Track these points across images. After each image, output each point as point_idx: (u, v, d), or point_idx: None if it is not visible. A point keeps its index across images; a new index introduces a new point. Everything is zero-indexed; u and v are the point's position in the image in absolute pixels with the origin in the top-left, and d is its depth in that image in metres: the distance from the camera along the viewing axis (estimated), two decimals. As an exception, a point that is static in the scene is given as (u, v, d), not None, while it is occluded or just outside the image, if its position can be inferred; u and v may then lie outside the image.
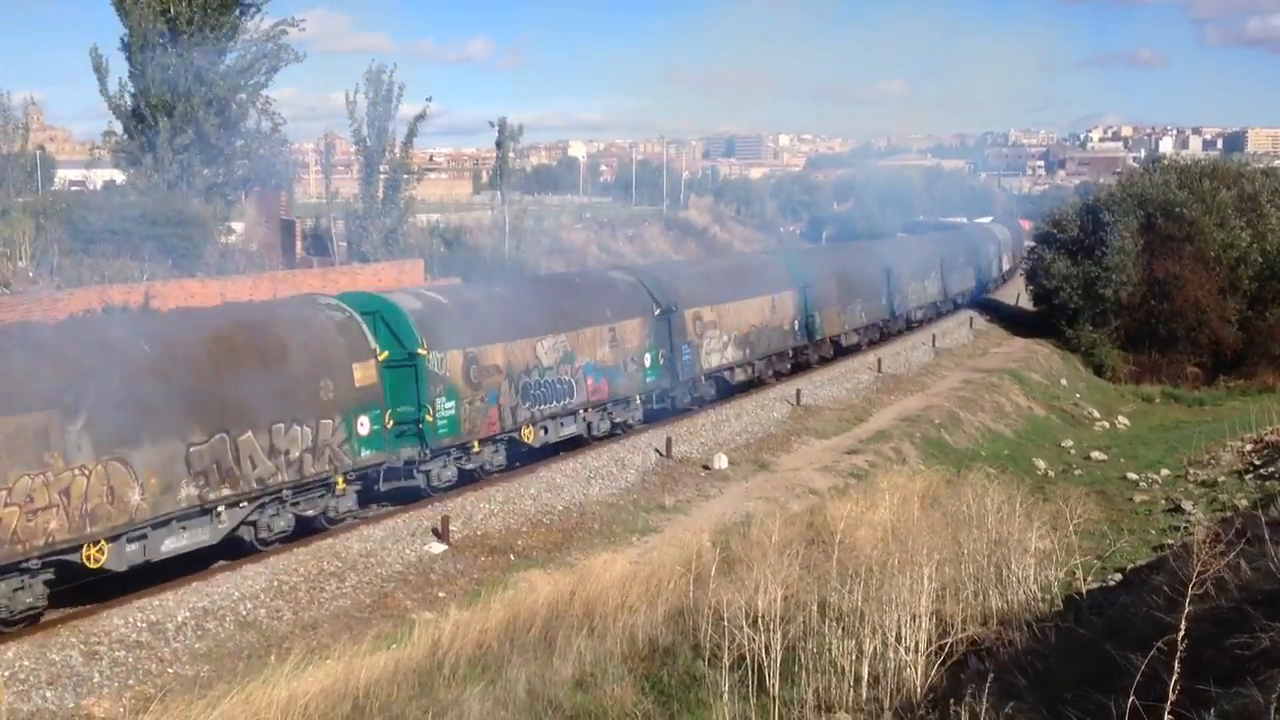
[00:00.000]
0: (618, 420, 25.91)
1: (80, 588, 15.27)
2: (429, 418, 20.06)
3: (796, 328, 34.38)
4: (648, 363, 26.52)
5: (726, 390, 30.55)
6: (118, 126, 38.73)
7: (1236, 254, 44.32)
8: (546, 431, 23.32)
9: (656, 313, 26.86)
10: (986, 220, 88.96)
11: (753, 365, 31.71)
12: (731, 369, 30.59)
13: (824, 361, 36.44)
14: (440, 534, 18.87)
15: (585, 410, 24.43)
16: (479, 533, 19.49)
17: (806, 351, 35.63)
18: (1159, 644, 6.99)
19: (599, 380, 24.78)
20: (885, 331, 42.74)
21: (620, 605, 13.32)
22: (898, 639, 11.14)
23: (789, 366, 34.18)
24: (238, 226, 39.17)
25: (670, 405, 27.92)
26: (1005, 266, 69.74)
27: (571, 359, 23.78)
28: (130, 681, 13.46)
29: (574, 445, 24.61)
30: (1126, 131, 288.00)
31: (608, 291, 26.73)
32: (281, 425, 17.14)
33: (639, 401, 26.45)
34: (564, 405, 23.58)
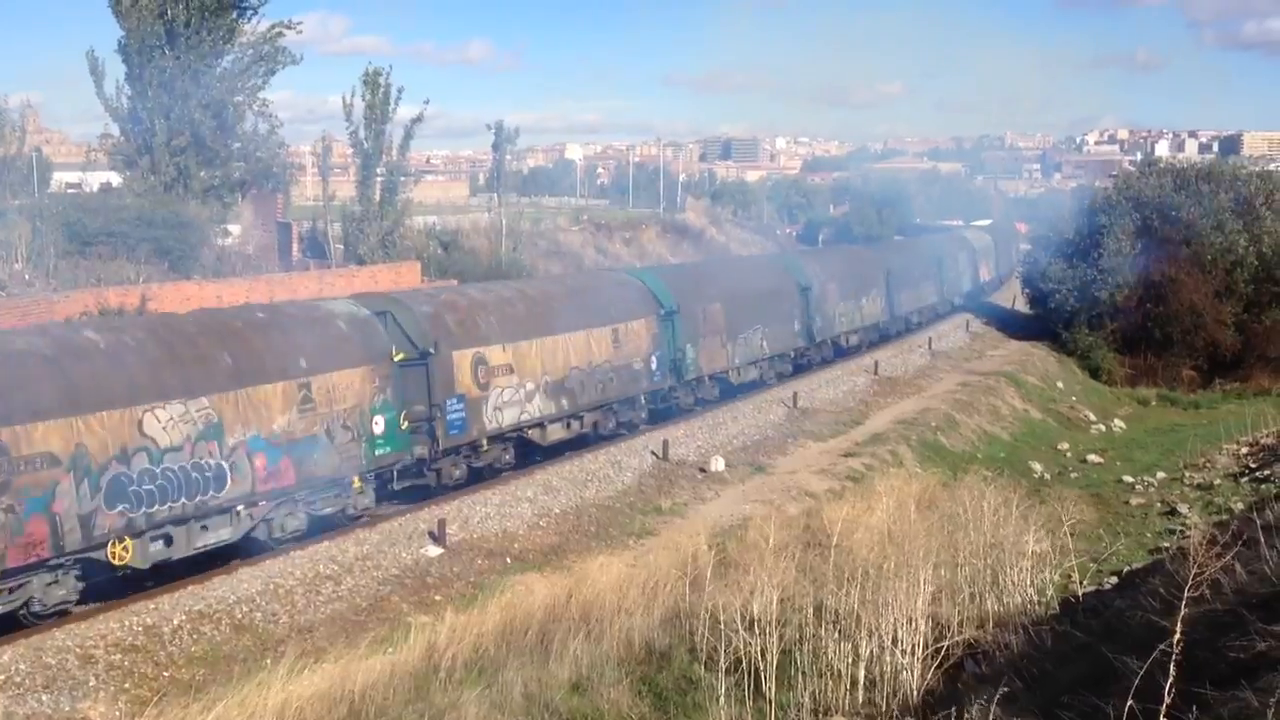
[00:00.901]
0: (293, 524, 18.08)
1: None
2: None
3: (655, 366, 27.64)
4: (378, 429, 19.23)
5: (532, 456, 23.94)
6: (114, 129, 38.75)
7: (1233, 258, 44.38)
8: (170, 543, 16.11)
9: (398, 358, 19.86)
10: (985, 223, 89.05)
11: (578, 419, 24.96)
12: (541, 425, 23.71)
13: (704, 404, 29.94)
14: (437, 537, 18.85)
15: (246, 507, 17.16)
16: (475, 535, 19.48)
17: (674, 395, 28.97)
18: (1157, 647, 7.01)
19: (276, 460, 17.34)
20: (800, 363, 36.39)
21: (617, 608, 13.31)
22: (894, 642, 11.15)
23: (645, 415, 27.54)
24: (234, 229, 39.14)
25: (421, 481, 21.00)
26: (985, 277, 64.51)
27: (219, 435, 16.43)
28: (126, 685, 13.43)
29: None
30: (1123, 134, 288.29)
31: (309, 330, 18.82)
32: None
33: (357, 484, 19.07)
34: (200, 502, 16.23)
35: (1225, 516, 18.56)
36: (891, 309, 44.38)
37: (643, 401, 26.70)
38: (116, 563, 15.25)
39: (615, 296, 27.05)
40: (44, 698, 12.89)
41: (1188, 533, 17.75)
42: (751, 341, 32.40)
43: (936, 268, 52.03)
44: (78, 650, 13.95)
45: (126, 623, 14.80)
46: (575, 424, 24.84)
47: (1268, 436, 29.93)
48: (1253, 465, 27.34)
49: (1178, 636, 6.83)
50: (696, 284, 31.20)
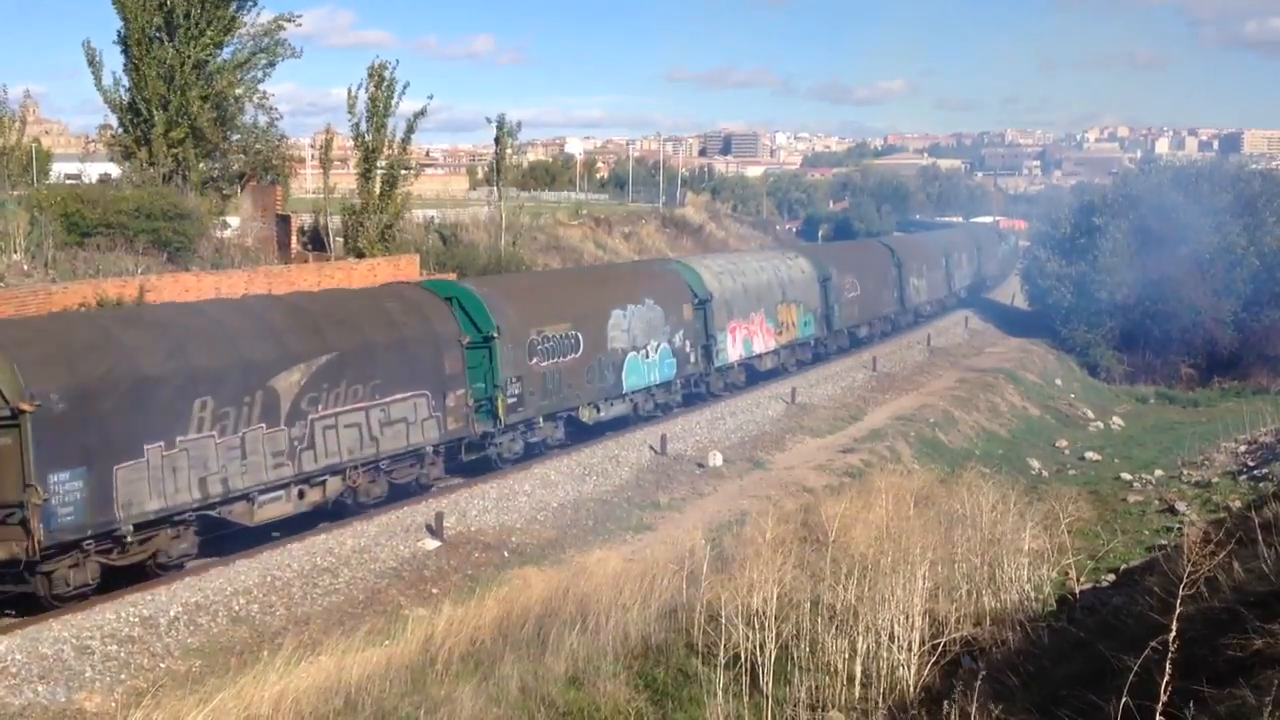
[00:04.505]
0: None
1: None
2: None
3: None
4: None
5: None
6: (113, 120, 38.66)
7: (1232, 257, 44.38)
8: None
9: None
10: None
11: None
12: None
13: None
14: (434, 530, 18.86)
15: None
16: (473, 529, 19.47)
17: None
18: (1152, 644, 7.00)
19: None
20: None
21: (614, 602, 13.29)
22: (891, 638, 11.16)
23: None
24: (233, 221, 39.03)
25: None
26: (968, 280, 59.22)
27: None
28: (122, 676, 13.43)
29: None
30: (1123, 132, 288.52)
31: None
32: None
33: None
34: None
35: (1223, 514, 18.55)
36: (829, 321, 39.75)
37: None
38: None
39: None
40: (40, 688, 12.89)
41: (1185, 530, 17.77)
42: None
43: (896, 273, 46.88)
44: (74, 641, 13.94)
45: (123, 614, 14.80)
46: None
47: (1266, 434, 29.94)
48: (1251, 463, 27.35)
49: (1173, 634, 6.83)
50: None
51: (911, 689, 10.83)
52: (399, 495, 20.18)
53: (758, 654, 11.03)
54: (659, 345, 27.57)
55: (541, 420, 23.51)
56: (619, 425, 26.04)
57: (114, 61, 36.95)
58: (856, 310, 40.83)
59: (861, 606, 11.49)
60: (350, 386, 18.72)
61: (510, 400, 22.23)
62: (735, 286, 32.00)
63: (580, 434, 25.22)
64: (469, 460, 22.07)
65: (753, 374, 32.88)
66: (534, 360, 23.02)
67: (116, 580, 15.89)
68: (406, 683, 11.43)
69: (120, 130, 38.19)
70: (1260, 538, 9.73)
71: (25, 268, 28.95)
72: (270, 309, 19.13)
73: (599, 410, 25.13)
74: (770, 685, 10.88)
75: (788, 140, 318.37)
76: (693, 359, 29.02)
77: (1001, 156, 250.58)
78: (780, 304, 34.60)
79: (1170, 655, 6.75)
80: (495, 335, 21.91)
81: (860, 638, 11.18)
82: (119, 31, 37.20)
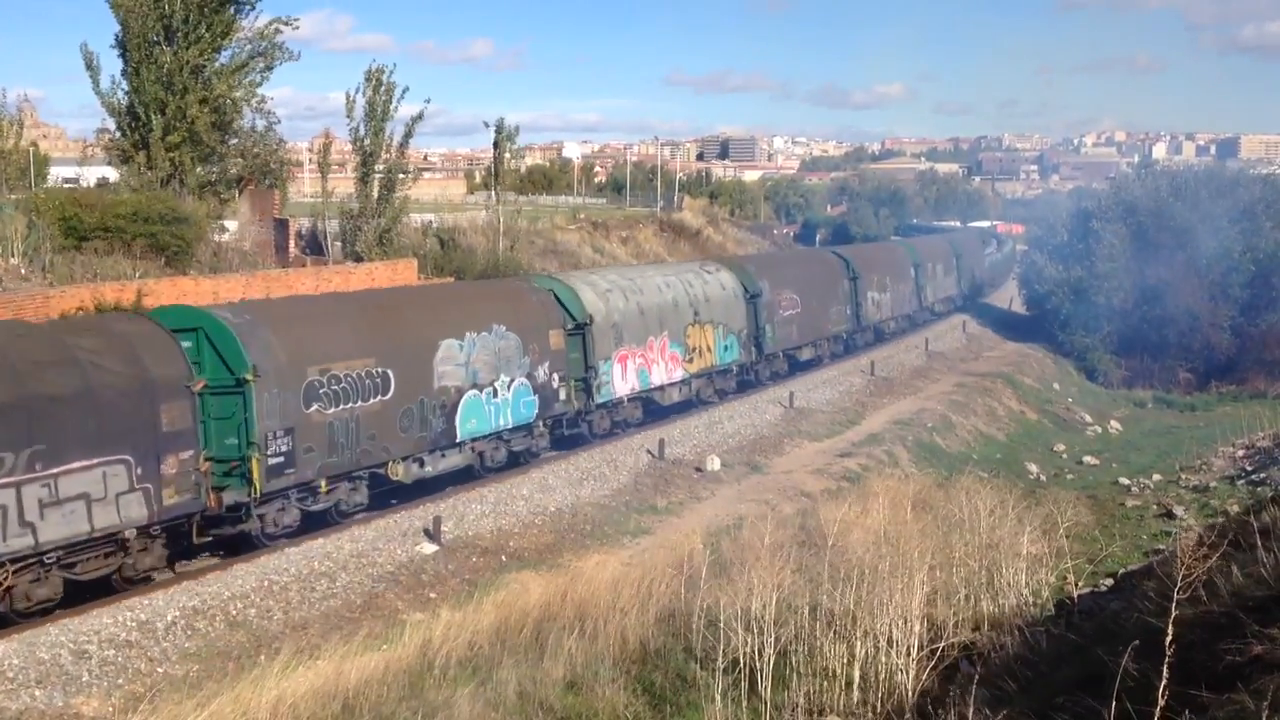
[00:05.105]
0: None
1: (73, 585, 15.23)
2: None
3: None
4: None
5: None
6: (111, 124, 38.66)
7: (1229, 262, 44.45)
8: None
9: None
10: (982, 224, 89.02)
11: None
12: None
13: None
14: (432, 534, 18.84)
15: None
16: (471, 533, 19.46)
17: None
18: (1134, 643, 7.00)
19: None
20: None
21: (612, 607, 13.29)
22: (889, 643, 11.15)
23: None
24: (231, 225, 39.02)
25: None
26: (947, 292, 54.57)
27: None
28: (119, 681, 13.41)
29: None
30: (1120, 136, 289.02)
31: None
32: None
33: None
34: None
35: (1221, 519, 18.56)
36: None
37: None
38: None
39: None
40: (37, 693, 12.87)
41: (1183, 534, 17.78)
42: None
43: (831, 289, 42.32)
44: (71, 645, 13.92)
45: (120, 618, 14.78)
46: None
47: (1263, 439, 29.95)
48: (1248, 468, 27.36)
49: (1169, 640, 6.83)
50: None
51: (910, 694, 10.82)
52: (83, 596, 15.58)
53: (756, 659, 11.03)
54: (513, 381, 22.91)
55: (324, 483, 18.67)
56: (460, 479, 22.17)
57: (112, 65, 37.07)
58: (795, 331, 35.67)
59: (860, 611, 11.48)
60: None
61: (273, 461, 17.50)
62: (627, 307, 27.03)
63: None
64: (218, 538, 17.95)
65: (653, 409, 28.17)
66: (313, 407, 18.22)
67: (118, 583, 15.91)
68: (404, 687, 11.43)
69: (118, 134, 38.18)
70: (1259, 542, 9.72)
71: (23, 271, 28.93)
72: None
73: (422, 465, 20.75)
74: (768, 690, 10.87)
75: (785, 144, 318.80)
76: (563, 395, 24.46)
77: (999, 161, 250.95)
78: (691, 326, 29.46)
79: (1167, 660, 6.75)
80: (250, 378, 17.11)
81: (858, 642, 11.17)
82: (117, 35, 37.23)
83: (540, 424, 23.94)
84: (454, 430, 21.31)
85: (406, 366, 20.16)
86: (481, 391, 22.02)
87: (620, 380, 26.44)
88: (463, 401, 21.47)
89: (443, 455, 21.23)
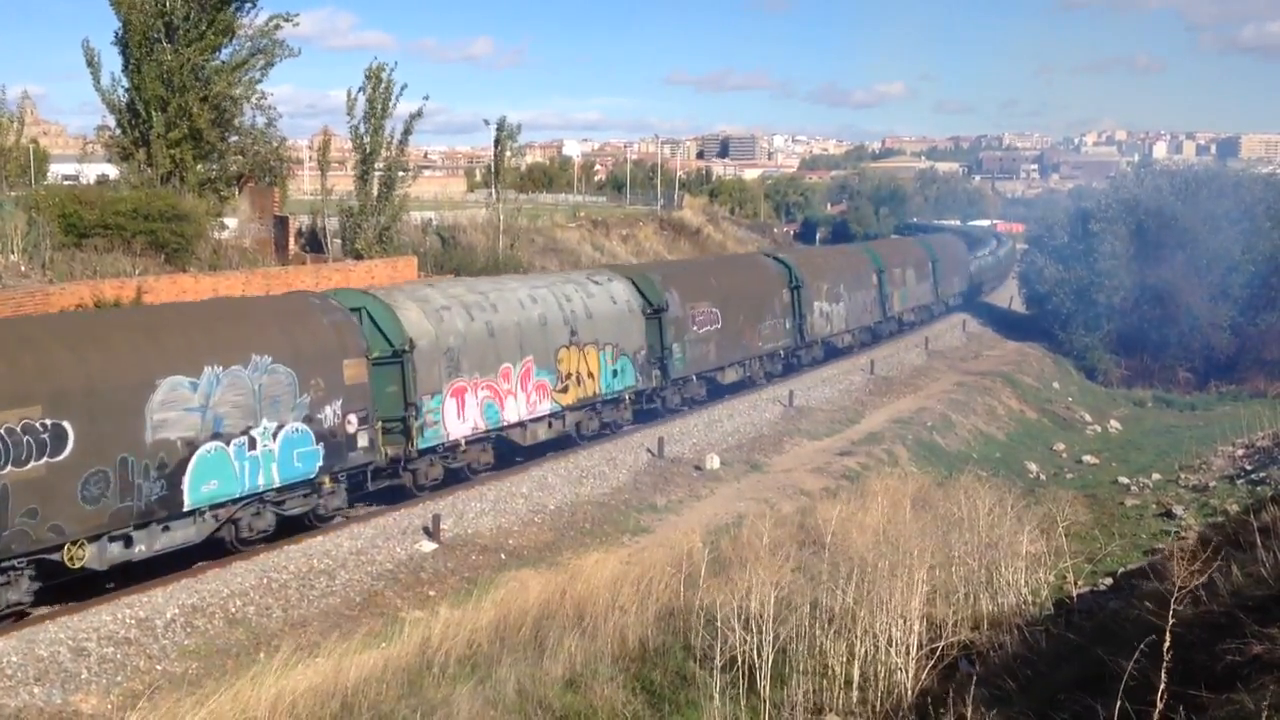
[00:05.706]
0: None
1: (67, 583, 15.24)
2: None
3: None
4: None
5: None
6: (111, 121, 38.64)
7: (1229, 262, 44.43)
8: None
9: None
10: (982, 223, 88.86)
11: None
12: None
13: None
14: (431, 532, 18.84)
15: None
16: (470, 531, 19.46)
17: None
18: (1137, 645, 6.99)
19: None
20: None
21: (611, 605, 13.29)
22: (889, 642, 11.14)
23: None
24: (231, 222, 39.03)
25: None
26: (919, 300, 49.18)
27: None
28: (118, 678, 13.41)
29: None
30: (1121, 136, 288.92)
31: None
32: None
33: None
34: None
35: (1220, 518, 18.55)
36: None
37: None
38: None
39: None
40: (35, 690, 12.86)
41: (1183, 534, 17.79)
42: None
43: (767, 302, 38.20)
44: (70, 643, 13.92)
45: (119, 615, 14.78)
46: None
47: (1263, 439, 29.93)
48: (1248, 467, 27.35)
49: (1167, 641, 6.83)
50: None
51: (909, 692, 10.82)
52: None
53: (755, 657, 11.02)
54: (282, 427, 17.80)
55: None
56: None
57: (113, 62, 37.00)
58: (713, 350, 30.47)
59: (859, 610, 11.47)
60: None
61: None
62: (471, 328, 22.05)
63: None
64: None
65: (510, 450, 23.72)
66: None
67: (123, 576, 15.92)
68: (403, 685, 11.42)
69: (118, 131, 38.18)
70: (1258, 541, 9.72)
71: (23, 268, 28.95)
72: None
73: (129, 544, 15.72)
74: (768, 688, 10.87)
75: (785, 143, 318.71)
76: (364, 441, 19.33)
77: (999, 160, 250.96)
78: (565, 348, 24.54)
79: (1165, 661, 6.75)
80: None
81: (858, 641, 11.17)
82: (117, 32, 37.22)
83: (325, 479, 18.76)
84: (179, 496, 16.15)
85: (96, 415, 14.99)
86: (229, 443, 16.87)
87: (455, 419, 21.37)
88: (195, 458, 16.35)
89: (163, 529, 16.21)
